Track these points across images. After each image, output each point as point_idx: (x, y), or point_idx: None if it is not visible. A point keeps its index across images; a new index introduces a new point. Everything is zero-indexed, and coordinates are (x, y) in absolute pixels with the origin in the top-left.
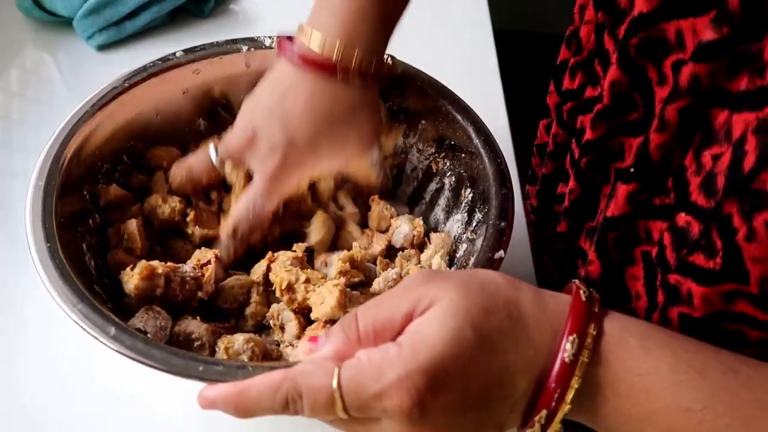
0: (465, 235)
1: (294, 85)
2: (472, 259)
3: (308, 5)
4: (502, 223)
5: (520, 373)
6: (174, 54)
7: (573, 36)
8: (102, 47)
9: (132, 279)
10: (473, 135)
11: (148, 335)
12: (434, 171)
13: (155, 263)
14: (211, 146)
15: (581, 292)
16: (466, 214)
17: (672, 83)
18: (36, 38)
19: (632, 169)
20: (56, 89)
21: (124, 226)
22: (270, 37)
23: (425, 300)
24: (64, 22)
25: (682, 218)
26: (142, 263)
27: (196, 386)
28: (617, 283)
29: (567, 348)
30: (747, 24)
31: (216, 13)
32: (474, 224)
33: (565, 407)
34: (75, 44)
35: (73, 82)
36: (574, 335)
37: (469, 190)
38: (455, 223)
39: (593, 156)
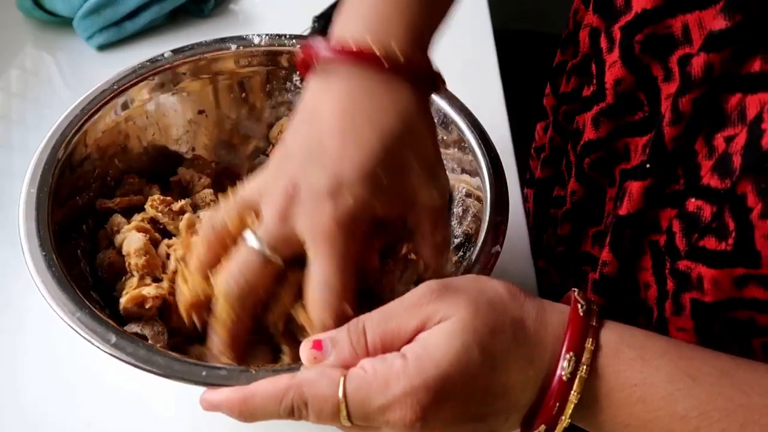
0: (460, 230)
1: (327, 100)
2: (469, 255)
3: (308, 5)
4: (498, 218)
5: (520, 389)
6: (162, 55)
7: (568, 39)
8: (102, 47)
9: (124, 297)
10: (465, 129)
11: (149, 340)
12: None
13: (151, 290)
14: (249, 234)
15: (579, 306)
16: (460, 209)
17: (680, 77)
18: (36, 38)
19: (648, 165)
20: (56, 89)
21: (111, 221)
22: (259, 35)
23: (435, 317)
24: (64, 22)
25: (692, 203)
26: (134, 293)
27: (198, 386)
28: (628, 276)
29: (564, 366)
30: (761, 9)
31: (216, 13)
32: (469, 219)
33: (565, 421)
34: (75, 44)
35: (73, 82)
36: (571, 353)
37: (462, 184)
38: (449, 218)
39: (597, 157)
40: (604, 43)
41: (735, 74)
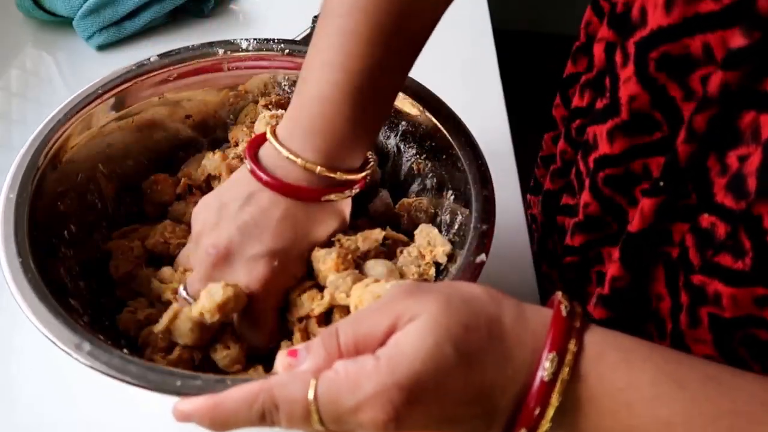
0: (447, 238)
1: (266, 206)
2: (454, 266)
3: (309, 5)
4: (484, 226)
5: (499, 390)
6: (148, 59)
7: (579, 52)
8: (102, 47)
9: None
10: (452, 136)
11: None
12: (416, 172)
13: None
14: (180, 289)
15: (562, 306)
16: (448, 216)
17: (701, 95)
18: (36, 38)
19: (662, 183)
20: (56, 89)
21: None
22: (247, 40)
23: (406, 316)
24: (64, 22)
25: (705, 219)
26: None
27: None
28: (639, 288)
29: (546, 366)
30: None
31: (216, 13)
32: (456, 227)
33: (546, 425)
34: (75, 44)
35: (72, 82)
36: (554, 353)
37: (450, 192)
38: (438, 226)
39: (614, 174)
40: (618, 57)
41: (751, 91)
